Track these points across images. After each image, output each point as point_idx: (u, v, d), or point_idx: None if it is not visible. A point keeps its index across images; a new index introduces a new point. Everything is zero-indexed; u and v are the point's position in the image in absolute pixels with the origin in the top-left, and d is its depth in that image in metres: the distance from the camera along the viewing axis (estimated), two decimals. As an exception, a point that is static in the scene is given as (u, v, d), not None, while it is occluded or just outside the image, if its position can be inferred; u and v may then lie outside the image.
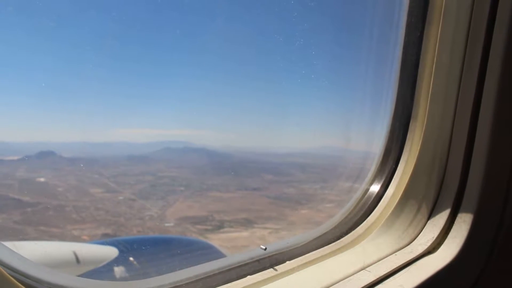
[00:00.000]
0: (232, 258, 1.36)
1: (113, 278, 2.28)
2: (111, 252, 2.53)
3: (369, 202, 1.65)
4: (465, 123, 1.48)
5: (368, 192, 1.68)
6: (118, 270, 2.39)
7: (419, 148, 1.53)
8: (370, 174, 1.69)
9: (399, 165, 1.62)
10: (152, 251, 2.72)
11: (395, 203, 1.57)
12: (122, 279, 2.33)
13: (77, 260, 2.33)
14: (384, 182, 1.65)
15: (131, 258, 2.53)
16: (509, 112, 1.42)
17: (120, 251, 2.59)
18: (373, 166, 1.69)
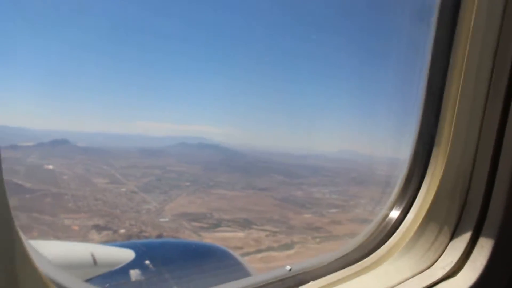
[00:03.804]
0: (257, 278, 1.41)
1: (128, 280, 2.34)
2: (128, 254, 2.58)
3: (390, 225, 1.68)
4: (488, 150, 1.50)
5: (390, 215, 1.71)
6: (134, 273, 2.44)
7: (441, 173, 1.56)
8: (392, 196, 1.72)
9: (421, 189, 1.65)
10: (171, 256, 2.78)
11: (417, 226, 1.60)
12: (137, 282, 2.38)
13: (94, 262, 2.38)
14: (406, 204, 1.68)
15: (147, 262, 2.57)
16: None
17: (137, 254, 2.64)
18: (395, 188, 1.72)
